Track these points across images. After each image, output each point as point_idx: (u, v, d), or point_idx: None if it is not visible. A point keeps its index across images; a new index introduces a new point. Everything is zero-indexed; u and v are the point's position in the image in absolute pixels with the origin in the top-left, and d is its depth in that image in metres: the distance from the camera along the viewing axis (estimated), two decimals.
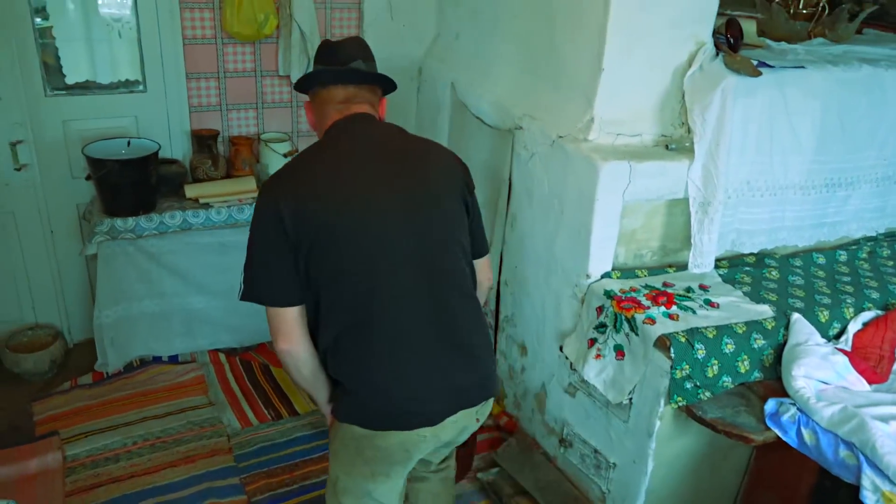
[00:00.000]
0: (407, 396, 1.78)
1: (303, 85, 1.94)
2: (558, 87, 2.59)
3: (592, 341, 2.43)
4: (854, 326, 2.41)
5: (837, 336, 2.42)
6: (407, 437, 1.80)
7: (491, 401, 1.98)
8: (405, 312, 1.78)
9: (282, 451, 2.90)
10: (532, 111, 2.69)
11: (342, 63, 1.89)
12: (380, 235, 1.75)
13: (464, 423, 1.91)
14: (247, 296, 1.77)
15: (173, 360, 3.40)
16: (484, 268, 2.07)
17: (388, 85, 2.01)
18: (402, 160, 1.85)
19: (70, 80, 3.10)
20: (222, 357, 3.44)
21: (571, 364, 2.53)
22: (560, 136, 2.50)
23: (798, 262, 2.74)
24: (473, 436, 2.67)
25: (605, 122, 2.42)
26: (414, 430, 1.80)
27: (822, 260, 2.78)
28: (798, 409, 2.12)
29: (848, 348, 2.35)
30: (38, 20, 2.94)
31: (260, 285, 1.76)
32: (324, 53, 1.93)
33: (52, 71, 3.04)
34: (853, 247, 2.87)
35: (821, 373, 2.20)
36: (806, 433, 2.08)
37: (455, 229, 1.86)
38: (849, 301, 2.48)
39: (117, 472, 2.77)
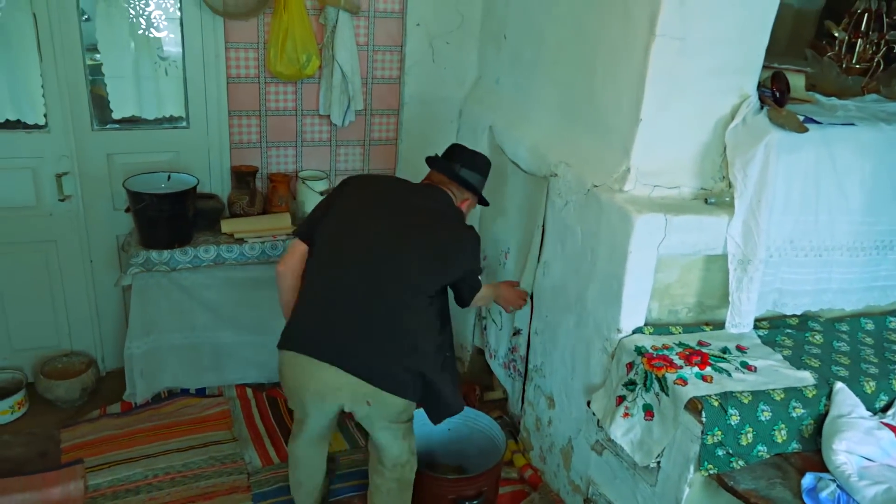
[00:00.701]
0: (306, 328, 2.29)
1: (430, 162, 2.58)
2: (595, 136, 2.55)
3: (621, 399, 2.34)
4: None
5: (884, 409, 2.27)
6: (293, 358, 2.28)
7: (389, 397, 2.27)
8: (347, 292, 2.26)
9: None
10: (568, 158, 2.64)
11: (453, 161, 2.53)
12: (364, 242, 2.29)
13: (344, 388, 2.25)
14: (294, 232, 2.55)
15: (200, 392, 3.41)
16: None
17: (477, 192, 2.57)
18: (420, 219, 2.35)
19: (117, 115, 3.19)
20: (249, 392, 3.43)
21: (598, 421, 2.44)
22: (595, 185, 2.45)
23: (844, 327, 2.60)
24: (495, 488, 2.60)
25: (642, 172, 2.36)
26: (297, 353, 2.27)
27: (870, 326, 2.64)
28: (838, 486, 1.99)
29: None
30: (89, 56, 3.03)
31: (301, 225, 2.50)
32: (448, 152, 2.60)
33: (100, 106, 3.13)
34: None
35: (865, 448, 2.07)
36: None
37: (420, 282, 2.28)
38: None
39: None
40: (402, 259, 2.27)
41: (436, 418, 2.48)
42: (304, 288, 2.38)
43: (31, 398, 3.28)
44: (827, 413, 2.18)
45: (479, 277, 2.55)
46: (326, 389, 2.29)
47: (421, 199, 2.43)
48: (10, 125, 3.03)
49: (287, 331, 2.36)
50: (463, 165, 2.50)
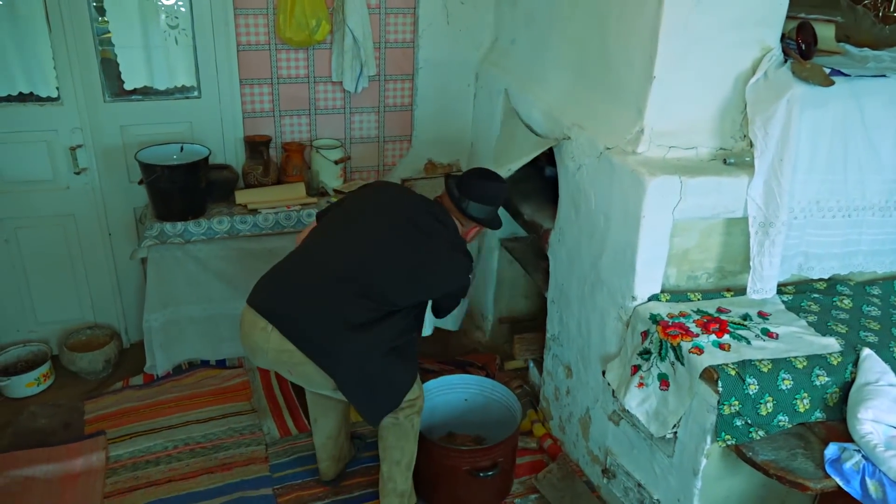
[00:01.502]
0: (264, 288, 2.35)
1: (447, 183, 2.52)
2: (609, 96, 2.44)
3: (636, 368, 2.27)
4: None
5: None
6: (245, 312, 2.33)
7: (311, 368, 2.23)
8: (314, 269, 2.31)
9: (315, 463, 2.85)
10: (581, 121, 2.54)
11: (464, 193, 2.45)
12: (349, 236, 2.37)
13: (270, 352, 2.27)
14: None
15: (221, 364, 3.43)
16: None
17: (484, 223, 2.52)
18: (410, 235, 2.35)
19: (128, 86, 3.16)
20: None
21: (614, 391, 2.37)
22: (608, 148, 2.35)
23: (876, 291, 2.48)
24: (512, 458, 2.61)
25: (657, 133, 2.26)
26: (249, 307, 2.32)
27: None
28: (863, 456, 1.91)
29: None
30: (97, 27, 3.01)
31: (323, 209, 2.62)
32: (468, 179, 2.50)
33: (111, 77, 3.11)
34: None
35: (893, 417, 1.97)
36: (871, 484, 1.86)
37: (396, 289, 2.29)
38: None
39: (156, 475, 2.78)
40: (375, 265, 2.29)
41: (368, 416, 2.35)
42: (289, 253, 2.45)
43: (57, 370, 3.33)
44: (853, 381, 2.08)
45: (462, 299, 2.60)
46: (256, 348, 2.32)
47: (422, 216, 2.40)
48: (23, 98, 3.03)
49: (253, 288, 2.41)
50: (472, 199, 2.43)
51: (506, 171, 2.77)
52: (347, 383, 2.25)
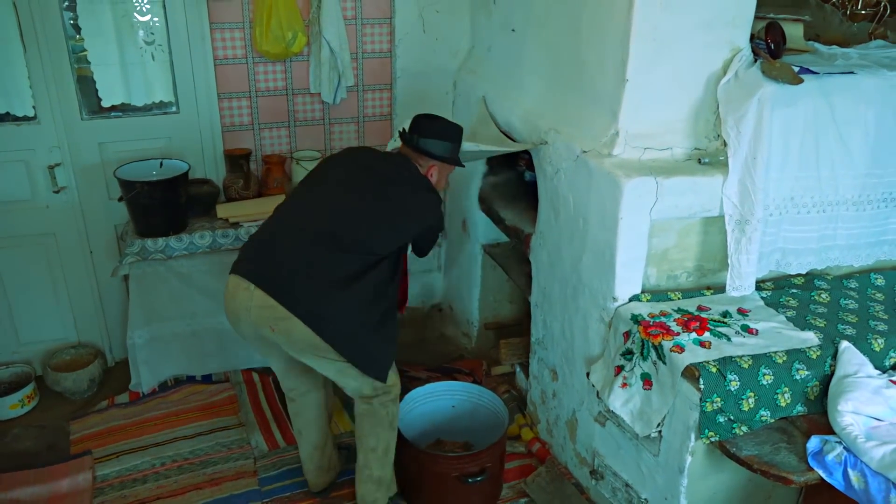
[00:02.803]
0: (246, 255, 2.41)
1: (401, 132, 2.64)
2: (584, 100, 2.47)
3: (619, 368, 2.28)
4: None
5: (894, 367, 2.19)
6: (230, 280, 2.37)
7: (294, 324, 2.23)
8: (292, 231, 2.36)
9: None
10: (557, 125, 2.57)
11: (414, 132, 2.58)
12: (321, 195, 2.45)
13: (253, 309, 2.28)
14: None
15: (207, 379, 3.41)
16: None
17: (439, 158, 2.59)
18: (378, 183, 2.45)
19: (106, 104, 3.15)
20: (255, 376, 3.43)
21: (598, 392, 2.39)
22: (584, 152, 2.37)
23: (853, 284, 2.51)
24: (500, 463, 2.62)
25: (631, 135, 2.28)
26: (233, 274, 2.37)
27: (881, 281, 2.55)
28: (845, 448, 1.93)
29: None
30: (73, 45, 3.00)
31: None
32: (415, 121, 2.62)
33: (88, 95, 3.10)
34: None
35: (872, 408, 2.00)
36: (853, 475, 1.89)
37: (378, 240, 2.35)
38: None
39: (144, 493, 2.77)
40: (347, 218, 2.35)
41: (364, 368, 2.38)
42: (264, 222, 2.51)
43: (41, 391, 3.30)
44: (833, 374, 2.11)
45: (440, 234, 2.68)
46: (240, 309, 2.32)
47: (384, 165, 2.53)
48: None
49: (235, 259, 2.45)
50: (421, 136, 2.54)
51: (472, 146, 2.78)
52: (337, 338, 2.26)
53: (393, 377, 2.49)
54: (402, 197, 2.45)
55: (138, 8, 3.09)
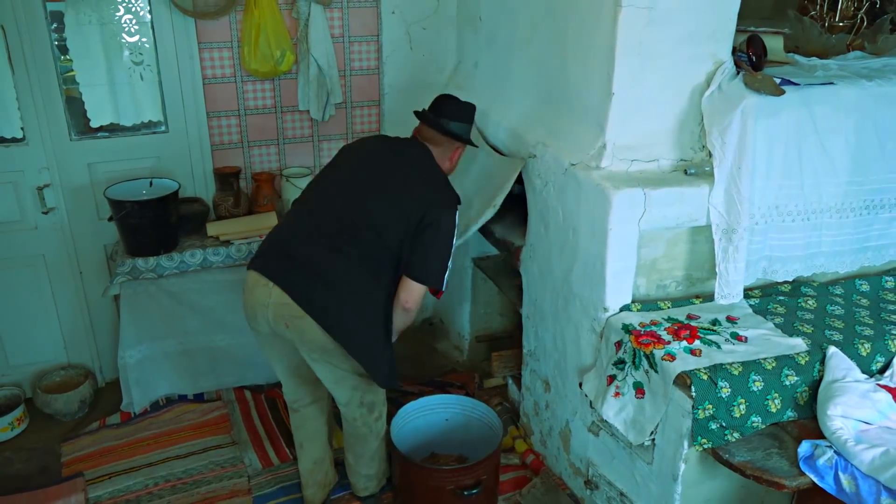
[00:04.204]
0: (263, 250, 2.45)
1: (420, 115, 2.61)
2: (571, 113, 2.51)
3: (611, 378, 2.30)
4: None
5: (881, 371, 2.23)
6: (248, 276, 2.41)
7: (307, 323, 2.29)
8: (311, 227, 2.40)
9: (300, 492, 2.84)
10: (545, 139, 2.60)
11: (442, 115, 2.54)
12: (342, 184, 2.46)
13: (271, 306, 2.33)
14: None
15: (199, 398, 3.40)
16: (405, 287, 2.41)
17: (465, 140, 2.60)
18: (399, 173, 2.45)
19: (94, 124, 3.16)
20: (248, 394, 3.42)
21: (591, 402, 2.41)
22: (572, 164, 2.40)
23: (839, 290, 2.56)
24: (495, 475, 2.64)
25: (619, 147, 2.32)
26: (252, 270, 2.40)
27: (865, 287, 2.59)
28: (835, 451, 1.96)
29: (893, 384, 2.16)
30: (61, 66, 3.01)
31: None
32: (436, 103, 2.61)
33: (77, 115, 3.11)
34: None
35: (861, 412, 2.03)
36: (844, 478, 1.91)
37: (387, 224, 2.36)
38: (894, 332, 2.30)
39: None
40: (371, 208, 2.38)
41: (373, 372, 2.43)
42: (281, 221, 2.58)
43: (31, 413, 3.28)
44: (821, 379, 2.14)
45: (444, 274, 2.42)
46: (258, 304, 2.37)
47: (403, 162, 2.49)
48: None
49: (255, 253, 2.50)
50: (451, 119, 2.52)
51: (492, 208, 2.78)
52: (350, 341, 2.33)
53: (381, 395, 2.60)
54: (415, 190, 2.40)
55: (126, 29, 3.11)
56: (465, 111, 2.59)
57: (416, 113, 2.58)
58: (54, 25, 2.96)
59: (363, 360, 2.37)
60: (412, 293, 2.40)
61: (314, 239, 2.37)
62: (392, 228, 2.35)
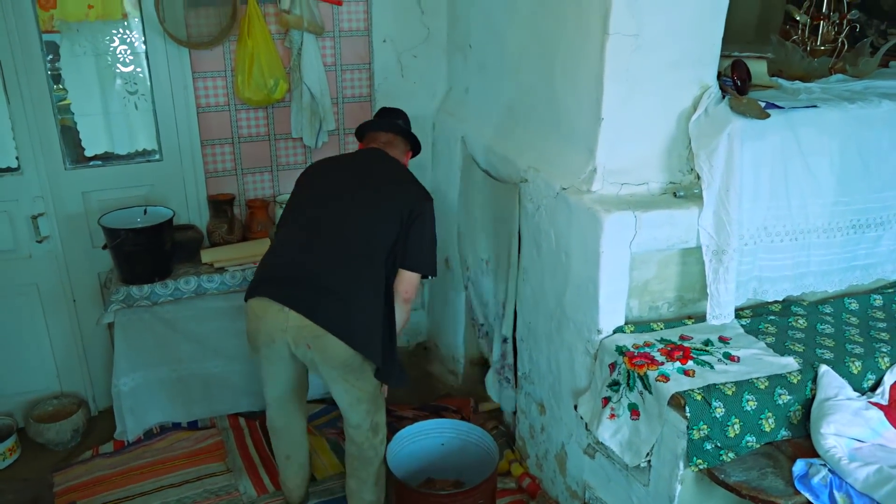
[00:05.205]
0: (264, 277, 2.50)
1: (365, 128, 2.82)
2: (561, 139, 2.55)
3: (606, 400, 2.32)
4: (890, 378, 2.24)
5: (872, 388, 2.25)
6: (253, 303, 2.47)
7: (329, 339, 2.37)
8: (305, 247, 2.47)
9: None
10: (536, 163, 2.64)
11: (392, 118, 2.81)
12: (322, 203, 2.54)
13: (290, 329, 2.40)
14: None
15: (193, 425, 3.39)
16: (403, 279, 2.56)
17: (415, 145, 2.85)
18: (373, 176, 2.59)
19: (89, 153, 3.19)
20: (242, 421, 3.41)
21: (587, 424, 2.41)
22: (563, 188, 2.44)
23: (828, 309, 2.58)
24: (492, 499, 2.70)
25: (609, 171, 2.35)
26: (258, 297, 2.45)
27: (854, 305, 2.62)
28: (830, 470, 1.97)
29: (884, 402, 2.18)
30: (56, 96, 3.04)
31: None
32: (379, 114, 2.89)
33: (71, 144, 3.13)
34: (889, 290, 2.70)
35: (853, 430, 2.04)
36: (839, 497, 1.92)
37: (381, 230, 2.48)
38: (884, 350, 2.32)
39: None
40: (363, 214, 2.48)
41: (387, 378, 2.60)
42: (270, 248, 2.62)
43: (23, 443, 3.26)
44: (814, 397, 2.16)
45: (435, 260, 2.61)
46: (275, 330, 2.43)
47: (371, 165, 2.64)
48: None
49: (251, 282, 2.56)
50: (396, 119, 2.78)
51: (515, 237, 2.82)
52: (368, 348, 2.44)
53: (384, 418, 2.68)
54: (394, 189, 2.55)
55: (122, 59, 3.14)
56: (402, 114, 2.87)
57: (365, 124, 2.80)
58: (49, 56, 3.00)
59: (380, 363, 2.49)
60: (409, 283, 2.56)
61: (314, 259, 2.44)
62: (385, 232, 2.47)
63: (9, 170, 3.05)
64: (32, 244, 3.14)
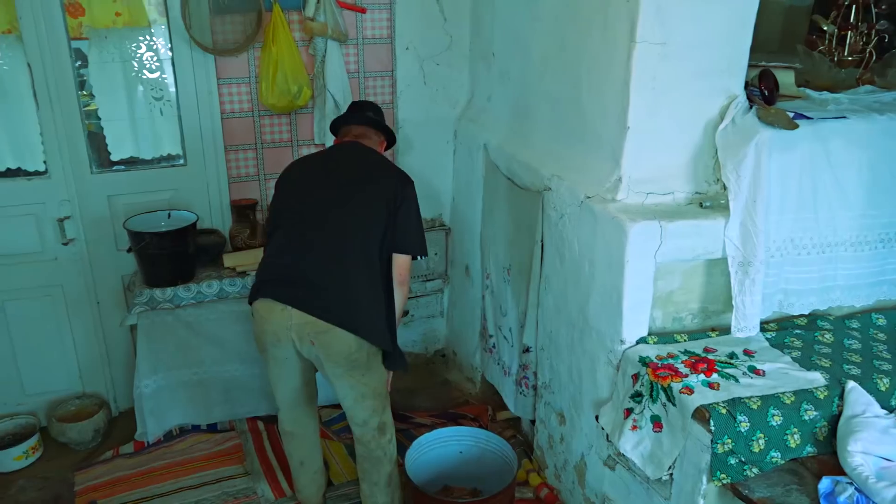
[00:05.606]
0: (265, 280, 2.55)
1: (338, 123, 2.86)
2: (585, 146, 2.53)
3: (628, 411, 2.29)
4: None
5: None
6: (258, 305, 2.52)
7: (334, 332, 2.42)
8: (302, 245, 2.51)
9: None
10: (561, 171, 2.63)
11: (362, 111, 2.85)
12: (309, 202, 2.56)
13: (294, 327, 2.45)
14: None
15: (212, 428, 3.40)
16: (396, 263, 2.61)
17: (388, 135, 2.87)
18: (353, 168, 2.63)
19: (115, 157, 3.23)
20: (261, 425, 3.42)
21: (608, 435, 2.39)
22: (588, 197, 2.43)
23: (855, 324, 2.54)
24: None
25: (634, 180, 2.34)
26: (262, 299, 2.50)
27: (882, 321, 2.58)
28: (856, 488, 1.93)
29: None
30: (83, 102, 3.08)
31: (266, 228, 2.76)
32: (351, 108, 2.93)
33: (98, 149, 3.17)
34: None
35: (881, 448, 2.01)
36: None
37: (368, 219, 2.52)
38: None
39: None
40: (351, 206, 2.52)
41: (396, 363, 2.66)
42: (267, 251, 2.64)
43: (46, 442, 3.29)
44: (840, 414, 2.12)
45: (424, 240, 2.66)
46: (280, 329, 2.47)
47: (351, 158, 2.67)
48: (10, 173, 3.08)
49: (253, 286, 2.60)
50: (367, 111, 2.84)
51: (538, 244, 2.82)
52: (372, 334, 2.50)
53: (391, 418, 2.70)
54: (375, 178, 2.60)
55: (148, 65, 3.18)
56: (373, 106, 2.91)
57: (338, 119, 2.84)
58: (78, 63, 3.04)
59: (390, 347, 2.58)
60: (402, 266, 2.62)
61: (310, 258, 2.48)
62: (373, 221, 2.51)
63: (37, 173, 3.09)
64: (58, 246, 3.18)
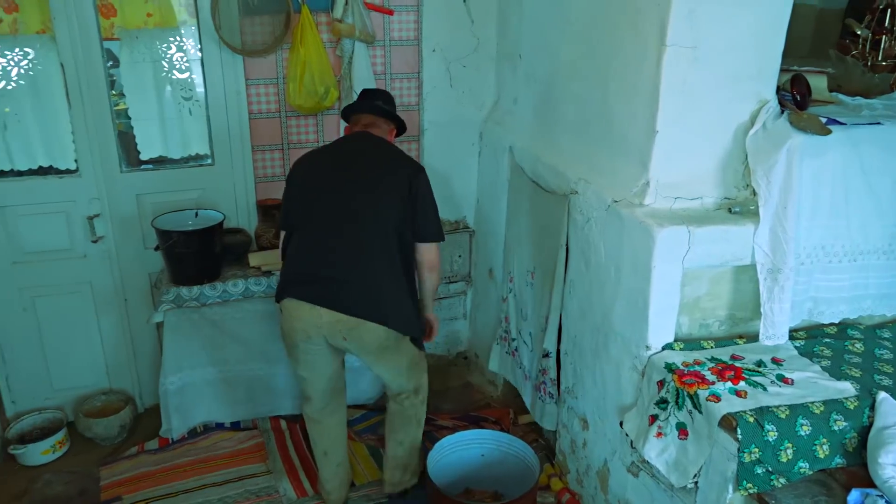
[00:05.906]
0: (291, 279, 2.60)
1: (348, 111, 2.86)
2: (613, 150, 2.52)
3: (653, 418, 2.27)
4: None
5: None
6: (287, 304, 2.59)
7: (364, 326, 2.52)
8: (325, 243, 2.56)
9: None
10: (587, 175, 2.61)
11: (372, 100, 2.85)
12: (325, 197, 2.60)
13: (325, 325, 2.53)
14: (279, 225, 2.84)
15: (235, 426, 3.43)
16: (424, 250, 2.70)
17: (399, 124, 2.89)
18: (364, 160, 2.66)
19: (144, 157, 3.27)
20: (283, 424, 3.44)
21: (632, 442, 2.37)
22: (615, 201, 2.41)
23: (886, 334, 2.50)
24: None
25: (662, 185, 2.32)
26: (290, 298, 2.57)
27: None
28: (887, 501, 1.89)
29: None
30: (114, 101, 3.12)
31: (280, 220, 2.78)
32: (361, 96, 2.93)
33: (127, 148, 3.21)
34: None
35: None
36: None
37: (384, 209, 2.56)
38: None
39: None
40: (366, 200, 2.56)
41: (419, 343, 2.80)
42: (289, 251, 2.67)
43: (72, 437, 3.34)
44: (871, 425, 2.09)
45: (439, 224, 2.72)
46: (310, 327, 2.56)
47: (363, 149, 2.70)
48: (42, 171, 3.13)
49: (279, 285, 2.67)
50: (376, 100, 2.83)
51: (562, 248, 2.82)
52: (400, 324, 2.60)
53: (426, 380, 2.86)
54: (388, 168, 2.63)
55: (177, 66, 3.21)
56: (384, 93, 2.93)
57: (348, 107, 2.83)
58: (109, 63, 3.08)
59: (419, 334, 2.73)
60: (431, 253, 2.71)
61: (332, 255, 2.54)
62: (389, 211, 2.56)
63: (68, 171, 3.14)
64: (87, 244, 3.22)
